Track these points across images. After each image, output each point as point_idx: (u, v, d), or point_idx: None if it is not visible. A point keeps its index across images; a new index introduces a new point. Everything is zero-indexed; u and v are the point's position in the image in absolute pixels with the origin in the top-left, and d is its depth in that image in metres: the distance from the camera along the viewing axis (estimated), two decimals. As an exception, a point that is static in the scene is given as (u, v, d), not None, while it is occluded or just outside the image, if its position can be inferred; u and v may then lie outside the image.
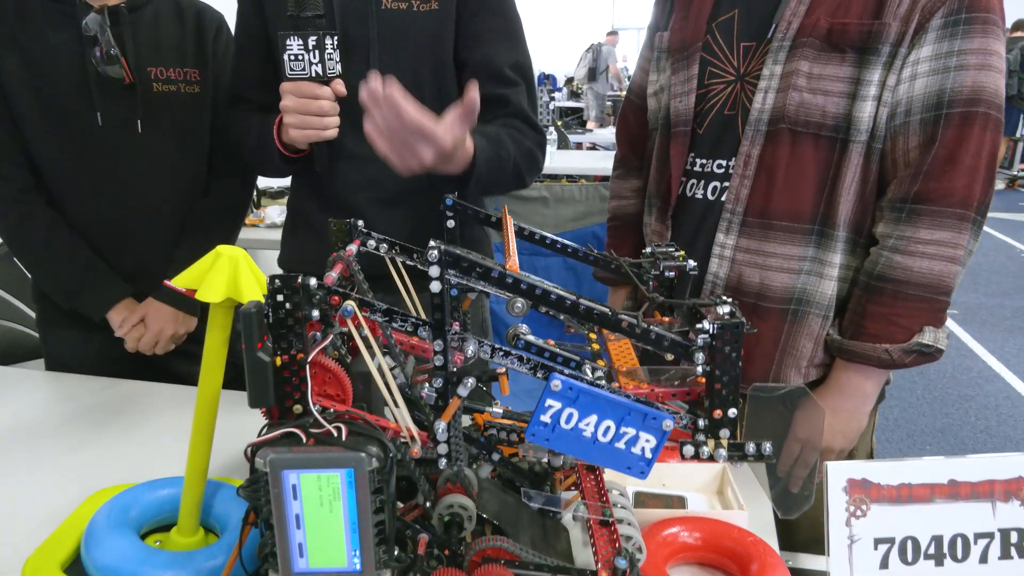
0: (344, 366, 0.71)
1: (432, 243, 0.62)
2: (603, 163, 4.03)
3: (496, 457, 0.89)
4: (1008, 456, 0.89)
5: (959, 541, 0.88)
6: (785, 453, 0.78)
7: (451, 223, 0.88)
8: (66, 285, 1.46)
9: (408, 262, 0.85)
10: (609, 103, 9.51)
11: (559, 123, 6.77)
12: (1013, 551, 0.88)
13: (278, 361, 0.63)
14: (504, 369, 0.64)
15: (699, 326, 0.64)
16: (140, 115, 1.41)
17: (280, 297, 0.62)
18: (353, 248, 0.79)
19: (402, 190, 1.25)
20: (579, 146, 7.00)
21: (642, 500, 1.00)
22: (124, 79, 1.37)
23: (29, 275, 1.59)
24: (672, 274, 0.83)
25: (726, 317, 0.65)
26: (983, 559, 0.88)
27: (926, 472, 0.87)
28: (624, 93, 10.43)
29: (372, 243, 0.84)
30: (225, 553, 0.79)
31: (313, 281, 0.62)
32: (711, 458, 0.65)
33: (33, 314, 2.18)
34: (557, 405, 0.66)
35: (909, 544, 0.88)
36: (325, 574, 0.64)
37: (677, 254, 0.84)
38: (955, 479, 0.88)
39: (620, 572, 0.68)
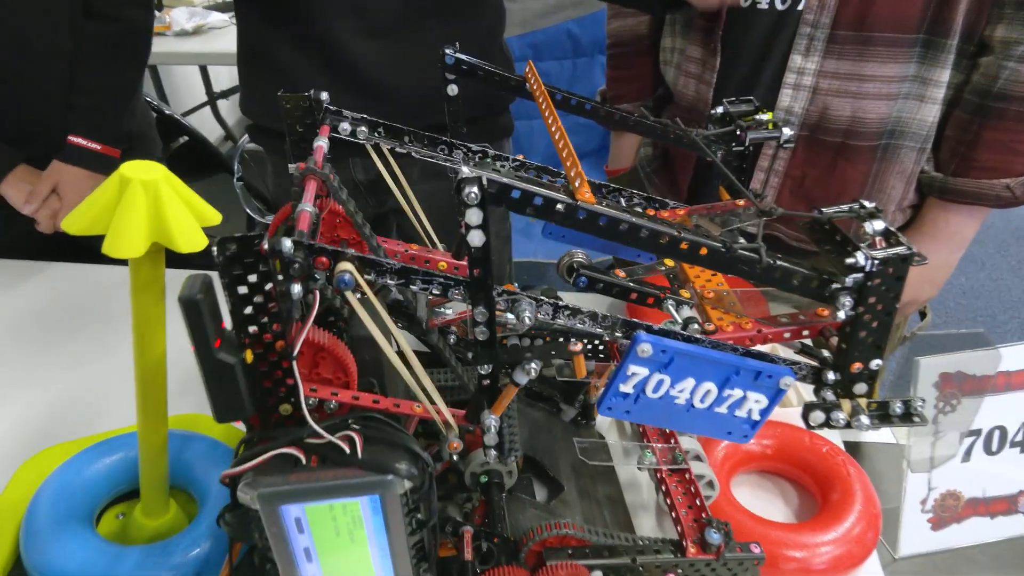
0: (336, 328, 0.52)
1: (465, 171, 0.40)
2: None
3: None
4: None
5: (1051, 425, 0.78)
6: None
7: (453, 89, 0.63)
8: None
9: (399, 149, 0.61)
10: None
11: None
12: (1107, 430, 0.79)
13: (249, 356, 0.43)
14: (579, 346, 0.46)
15: (850, 261, 0.45)
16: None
17: (238, 270, 0.40)
18: (324, 143, 0.55)
19: (399, 16, 0.94)
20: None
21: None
22: None
23: None
24: (750, 147, 0.63)
25: (880, 241, 0.46)
26: (1074, 441, 0.79)
27: (1028, 358, 0.75)
28: None
29: (346, 127, 0.60)
30: (208, 537, 0.63)
31: (288, 243, 0.40)
32: (848, 426, 0.50)
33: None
34: (644, 372, 0.48)
35: (996, 434, 0.78)
36: (352, 603, 0.50)
37: (764, 118, 0.62)
38: (1061, 362, 0.76)
39: (713, 548, 0.55)
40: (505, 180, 0.41)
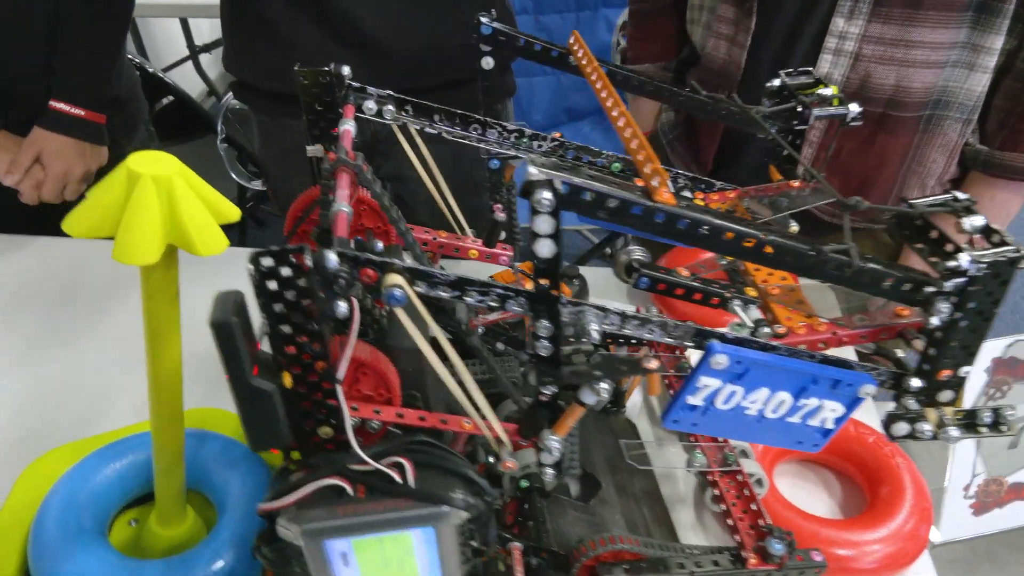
0: (370, 332, 0.47)
1: (534, 172, 0.34)
2: None
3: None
4: None
5: (1100, 409, 0.76)
6: None
7: (488, 62, 0.57)
8: None
9: (429, 129, 0.56)
10: None
11: None
12: None
13: (287, 380, 0.39)
14: (656, 363, 0.41)
15: (952, 264, 0.41)
16: None
17: (274, 284, 0.35)
18: (351, 127, 0.50)
19: None
20: None
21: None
22: None
23: None
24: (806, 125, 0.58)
25: (981, 239, 0.42)
26: (1120, 424, 0.77)
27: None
28: None
29: (371, 106, 0.54)
30: (230, 547, 0.59)
31: (333, 257, 0.35)
32: (934, 438, 0.46)
33: None
34: (715, 384, 0.44)
35: (1045, 419, 0.75)
36: (398, 630, 0.46)
37: (828, 92, 0.56)
38: (1116, 346, 0.73)
39: (776, 559, 0.52)
40: (578, 181, 0.36)
